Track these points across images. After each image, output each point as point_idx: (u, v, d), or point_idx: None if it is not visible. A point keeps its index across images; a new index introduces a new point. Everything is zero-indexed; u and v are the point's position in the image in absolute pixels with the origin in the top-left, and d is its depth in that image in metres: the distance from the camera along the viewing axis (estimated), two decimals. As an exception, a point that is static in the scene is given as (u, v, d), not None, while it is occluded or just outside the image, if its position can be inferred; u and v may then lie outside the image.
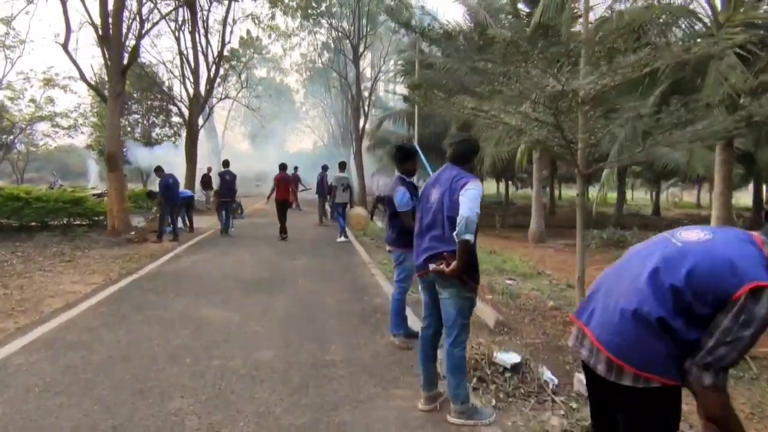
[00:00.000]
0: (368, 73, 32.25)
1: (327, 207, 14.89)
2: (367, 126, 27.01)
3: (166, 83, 23.26)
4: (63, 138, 24.42)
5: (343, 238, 11.54)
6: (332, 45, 27.80)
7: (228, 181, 11.76)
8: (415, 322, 4.63)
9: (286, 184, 11.56)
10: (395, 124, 31.18)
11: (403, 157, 4.29)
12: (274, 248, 10.09)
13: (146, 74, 22.04)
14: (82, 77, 11.05)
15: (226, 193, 11.74)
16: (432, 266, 2.91)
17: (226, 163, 12.18)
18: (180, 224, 12.68)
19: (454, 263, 2.77)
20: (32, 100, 24.27)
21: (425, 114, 21.43)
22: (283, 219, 11.45)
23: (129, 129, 29.58)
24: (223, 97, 20.61)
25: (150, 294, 6.08)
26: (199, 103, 17.85)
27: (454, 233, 2.76)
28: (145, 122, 30.06)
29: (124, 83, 11.39)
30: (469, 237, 2.72)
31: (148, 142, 29.55)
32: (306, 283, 6.86)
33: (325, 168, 15.01)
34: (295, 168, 16.65)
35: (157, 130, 30.56)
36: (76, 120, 26.94)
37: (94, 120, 28.31)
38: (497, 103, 4.73)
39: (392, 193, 4.27)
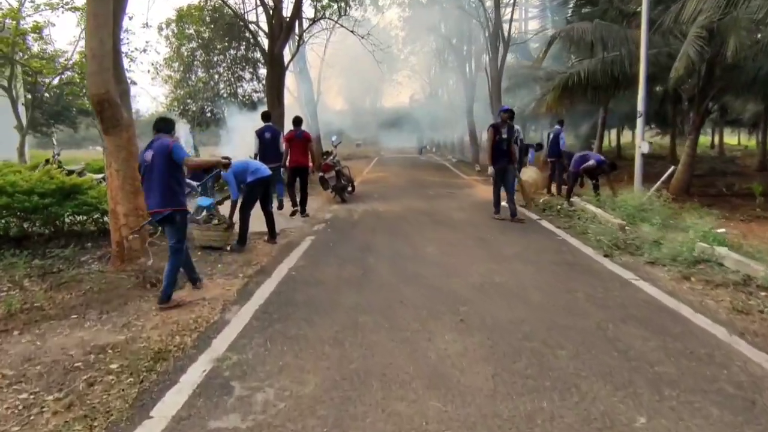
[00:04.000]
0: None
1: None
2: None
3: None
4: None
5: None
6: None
7: (268, 140, 8.58)
8: None
9: (301, 144, 8.62)
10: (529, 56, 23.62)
11: None
12: (474, 324, 3.76)
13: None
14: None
15: (269, 156, 8.38)
16: None
17: (266, 116, 9.00)
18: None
19: None
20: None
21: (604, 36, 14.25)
22: (304, 194, 8.72)
23: (212, 85, 25.14)
24: (317, 18, 14.35)
25: None
26: (282, 27, 11.76)
27: None
28: (230, 76, 25.36)
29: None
30: None
31: (234, 98, 24.90)
32: None
33: (504, 113, 8.22)
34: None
35: (244, 85, 25.87)
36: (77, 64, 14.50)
37: (166, 71, 23.44)
38: None
39: None
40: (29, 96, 13.53)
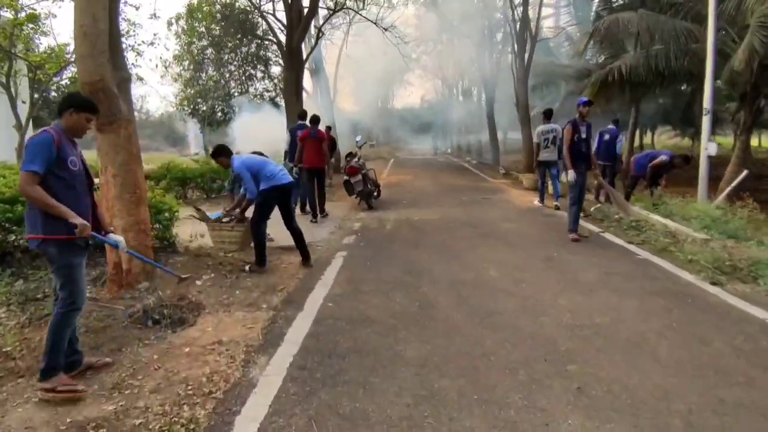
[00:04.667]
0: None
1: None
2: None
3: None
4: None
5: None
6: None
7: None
8: None
9: (315, 143, 8.06)
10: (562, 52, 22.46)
11: None
12: None
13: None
14: None
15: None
16: None
17: (302, 115, 8.97)
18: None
19: None
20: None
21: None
22: (321, 194, 8.27)
23: (223, 83, 24.23)
24: (336, 9, 13.32)
25: None
26: (301, 17, 10.76)
27: None
28: (240, 74, 24.43)
29: None
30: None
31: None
32: None
33: (582, 106, 6.92)
34: (328, 128, 11.15)
35: (256, 83, 24.95)
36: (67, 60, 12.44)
37: (174, 69, 22.55)
38: None
39: None
40: (35, 94, 12.69)
